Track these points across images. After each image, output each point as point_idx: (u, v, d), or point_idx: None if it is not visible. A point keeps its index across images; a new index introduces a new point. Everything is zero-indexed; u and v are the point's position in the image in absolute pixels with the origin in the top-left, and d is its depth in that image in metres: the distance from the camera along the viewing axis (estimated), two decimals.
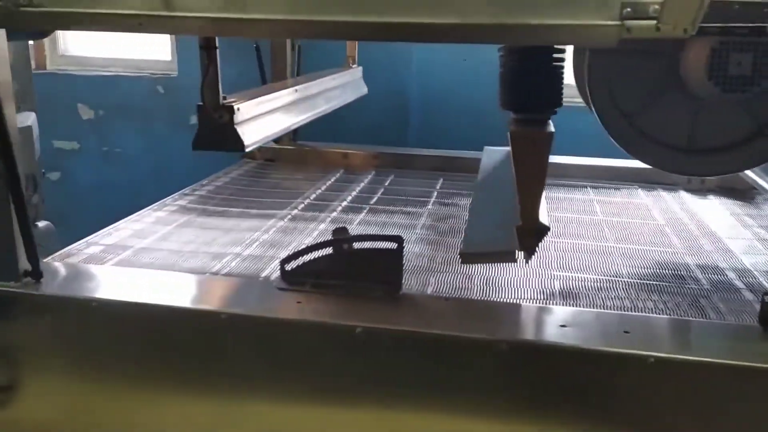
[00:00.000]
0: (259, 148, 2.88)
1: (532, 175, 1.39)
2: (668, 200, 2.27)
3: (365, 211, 2.09)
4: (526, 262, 1.36)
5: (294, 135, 2.90)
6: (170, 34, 3.55)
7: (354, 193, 2.32)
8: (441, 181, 2.53)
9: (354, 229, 1.89)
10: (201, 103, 1.45)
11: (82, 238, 1.75)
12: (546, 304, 1.39)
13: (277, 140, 2.86)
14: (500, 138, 3.34)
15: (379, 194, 2.32)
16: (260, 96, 1.73)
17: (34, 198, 3.09)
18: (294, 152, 2.84)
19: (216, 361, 1.26)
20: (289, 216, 2.02)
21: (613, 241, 1.83)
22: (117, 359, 1.30)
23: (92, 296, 1.30)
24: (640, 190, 2.39)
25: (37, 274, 1.35)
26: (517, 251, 1.33)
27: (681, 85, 1.45)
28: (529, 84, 1.57)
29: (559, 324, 1.23)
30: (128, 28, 1.08)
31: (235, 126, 1.48)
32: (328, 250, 1.37)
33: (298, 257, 1.38)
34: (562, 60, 1.54)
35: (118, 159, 4.23)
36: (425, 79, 3.52)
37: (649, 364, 1.10)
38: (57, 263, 1.48)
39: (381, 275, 1.34)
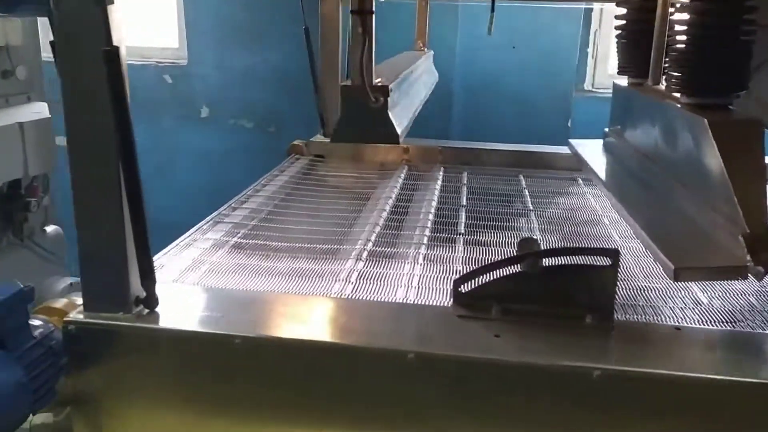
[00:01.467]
0: (307, 143, 2.59)
1: (749, 170, 1.16)
2: None
3: (462, 215, 1.84)
4: (759, 280, 1.12)
5: None
6: None
7: (437, 193, 2.05)
8: (522, 178, 2.28)
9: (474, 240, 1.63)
10: (347, 84, 1.17)
11: None
12: None
13: (325, 133, 2.58)
14: (550, 129, 3.14)
15: (465, 194, 2.07)
16: (396, 74, 1.41)
17: (45, 200, 2.75)
18: (345, 148, 2.54)
19: (400, 407, 1.00)
20: (381, 224, 1.74)
21: None
22: (266, 405, 1.02)
23: (234, 333, 1.02)
24: None
25: (152, 302, 1.06)
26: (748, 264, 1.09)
27: None
28: (719, 61, 1.34)
29: None
30: None
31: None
32: (514, 268, 1.11)
33: (475, 276, 1.12)
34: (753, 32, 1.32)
35: None
36: (469, 68, 3.27)
37: None
38: (165, 285, 1.17)
39: (587, 299, 1.09)
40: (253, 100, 3.79)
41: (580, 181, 2.24)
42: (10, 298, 0.97)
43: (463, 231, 1.68)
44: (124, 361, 1.04)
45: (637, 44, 1.91)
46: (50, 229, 2.81)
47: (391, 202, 1.92)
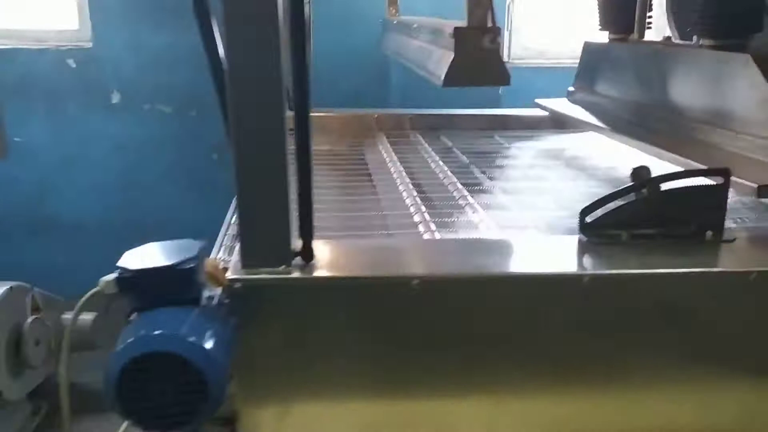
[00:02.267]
0: None
1: None
2: None
3: (476, 172, 1.89)
4: None
5: None
6: None
7: (436, 158, 2.09)
8: (499, 138, 2.37)
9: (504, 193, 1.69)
10: (460, 26, 1.16)
11: None
12: None
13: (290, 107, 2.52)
14: (483, 97, 3.26)
15: (464, 155, 2.11)
16: None
17: None
18: (316, 120, 2.50)
19: (575, 331, 1.04)
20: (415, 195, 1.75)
21: None
22: (446, 344, 1.02)
23: (412, 273, 1.00)
24: None
25: (309, 254, 1.02)
26: None
27: None
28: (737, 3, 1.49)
29: None
30: None
31: None
32: (631, 196, 1.18)
33: (598, 207, 1.18)
34: None
35: (18, 150, 3.48)
36: None
37: None
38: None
39: (703, 217, 1.18)
40: (171, 83, 3.59)
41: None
42: (199, 254, 0.88)
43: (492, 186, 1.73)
44: (296, 314, 0.99)
45: (619, 2, 2.06)
46: None
47: (401, 171, 1.92)
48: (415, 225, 1.37)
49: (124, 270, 0.86)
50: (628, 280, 1.04)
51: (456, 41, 1.15)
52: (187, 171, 3.72)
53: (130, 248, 3.91)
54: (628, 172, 1.26)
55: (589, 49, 2.23)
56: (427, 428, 1.06)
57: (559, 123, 2.40)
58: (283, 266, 0.99)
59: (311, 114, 2.19)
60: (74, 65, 3.52)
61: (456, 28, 1.15)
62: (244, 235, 0.98)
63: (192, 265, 0.86)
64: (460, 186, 1.70)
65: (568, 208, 1.42)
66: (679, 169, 1.40)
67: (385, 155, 2.15)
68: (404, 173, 1.88)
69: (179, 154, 3.69)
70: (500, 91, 3.38)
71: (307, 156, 0.99)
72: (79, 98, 3.54)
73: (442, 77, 1.18)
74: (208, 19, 1.03)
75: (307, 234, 1.01)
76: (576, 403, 1.06)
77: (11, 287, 2.55)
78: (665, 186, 1.18)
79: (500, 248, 1.16)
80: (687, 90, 1.69)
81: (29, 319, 2.61)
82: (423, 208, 1.49)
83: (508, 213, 1.45)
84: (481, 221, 1.36)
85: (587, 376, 1.05)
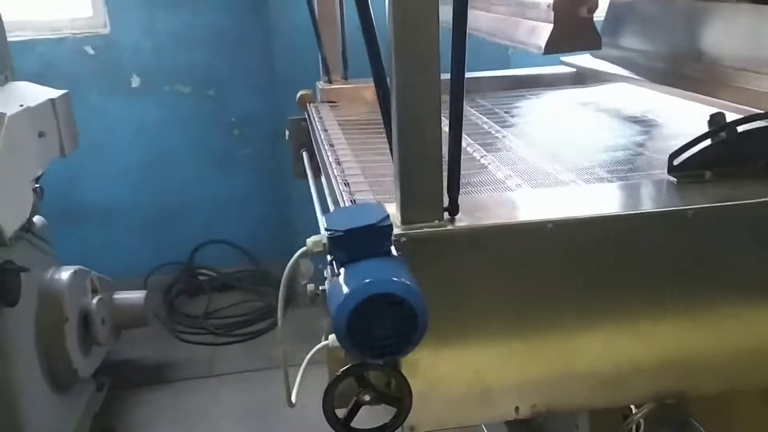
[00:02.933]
0: (316, 91, 2.65)
1: None
2: None
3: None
4: None
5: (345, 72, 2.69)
6: None
7: (483, 118, 2.24)
8: (533, 97, 2.53)
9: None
10: None
11: None
12: None
13: (329, 80, 2.65)
14: (494, 58, 3.39)
15: (501, 111, 2.27)
16: None
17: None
18: (352, 90, 2.63)
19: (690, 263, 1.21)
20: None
21: None
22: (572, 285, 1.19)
23: (545, 218, 1.16)
24: None
25: (455, 208, 1.17)
26: None
27: None
28: None
29: None
30: None
31: None
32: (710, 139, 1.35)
33: (683, 151, 1.35)
34: None
35: None
36: None
37: None
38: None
39: None
40: (188, 64, 3.67)
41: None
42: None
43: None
44: (450, 262, 1.14)
45: None
46: (36, 219, 2.62)
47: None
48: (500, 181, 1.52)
49: (334, 231, 1.00)
50: (725, 210, 1.21)
51: (555, 13, 1.30)
52: (209, 149, 3.82)
53: (161, 228, 4.20)
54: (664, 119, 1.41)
55: (616, 5, 2.38)
56: (556, 356, 1.23)
57: (587, 79, 2.56)
58: (437, 221, 1.14)
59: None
60: (92, 52, 3.58)
61: (556, 2, 1.30)
62: (404, 193, 1.12)
63: (389, 223, 1.01)
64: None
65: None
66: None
67: None
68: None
69: (201, 133, 3.79)
70: (509, 52, 3.51)
71: (459, 118, 1.13)
72: (100, 84, 3.61)
73: (543, 45, 1.32)
74: None
75: (455, 190, 1.16)
76: (690, 326, 1.23)
77: (75, 271, 2.66)
78: (741, 128, 1.35)
79: (610, 193, 1.33)
80: (725, 41, 1.85)
81: (94, 300, 2.74)
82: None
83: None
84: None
85: (695, 300, 1.22)
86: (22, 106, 2.06)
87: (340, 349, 1.06)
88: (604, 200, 1.32)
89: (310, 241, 1.04)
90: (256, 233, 3.94)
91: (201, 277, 3.91)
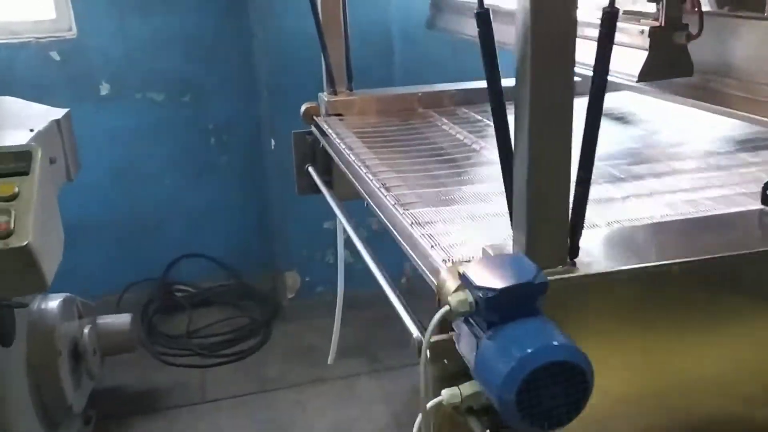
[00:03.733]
0: (321, 103, 2.53)
1: None
2: None
3: None
4: None
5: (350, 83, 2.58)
6: None
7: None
8: None
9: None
10: (655, 24, 1.25)
11: None
12: None
13: (334, 91, 2.54)
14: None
15: None
16: None
17: None
18: (359, 102, 2.54)
19: None
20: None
21: None
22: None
23: (671, 260, 1.11)
24: None
25: (576, 251, 1.11)
26: None
27: None
28: None
29: None
30: None
31: None
32: None
33: None
34: None
35: None
36: (405, 11, 3.34)
37: None
38: None
39: None
40: (161, 70, 3.47)
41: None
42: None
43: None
44: (579, 309, 1.08)
45: None
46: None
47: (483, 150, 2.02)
48: None
49: (488, 289, 0.91)
50: None
51: (651, 40, 1.25)
52: (185, 158, 3.63)
53: (134, 243, 3.99)
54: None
55: None
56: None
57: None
58: (560, 266, 1.08)
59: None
60: (58, 58, 3.33)
61: (652, 29, 1.24)
62: (530, 237, 1.05)
63: (546, 280, 0.93)
64: None
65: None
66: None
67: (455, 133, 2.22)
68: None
69: (176, 141, 3.60)
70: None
71: (591, 159, 1.06)
72: (66, 92, 3.36)
73: (636, 74, 1.27)
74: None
75: (578, 233, 1.09)
76: None
77: (63, 299, 2.47)
78: None
79: (717, 225, 1.29)
80: (757, 56, 1.85)
81: (85, 330, 2.55)
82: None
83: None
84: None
85: None
86: (32, 131, 1.86)
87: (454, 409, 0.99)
88: (712, 235, 1.27)
89: (454, 300, 0.95)
90: (235, 246, 3.78)
91: (178, 294, 3.72)
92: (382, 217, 1.66)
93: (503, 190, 1.12)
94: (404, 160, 1.97)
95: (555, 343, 0.88)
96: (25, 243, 1.67)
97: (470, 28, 2.22)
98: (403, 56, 3.39)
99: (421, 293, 1.37)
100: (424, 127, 2.35)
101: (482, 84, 2.65)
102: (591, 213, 1.14)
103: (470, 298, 0.95)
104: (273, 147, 3.34)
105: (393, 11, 3.32)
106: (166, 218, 3.68)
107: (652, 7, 1.33)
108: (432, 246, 1.31)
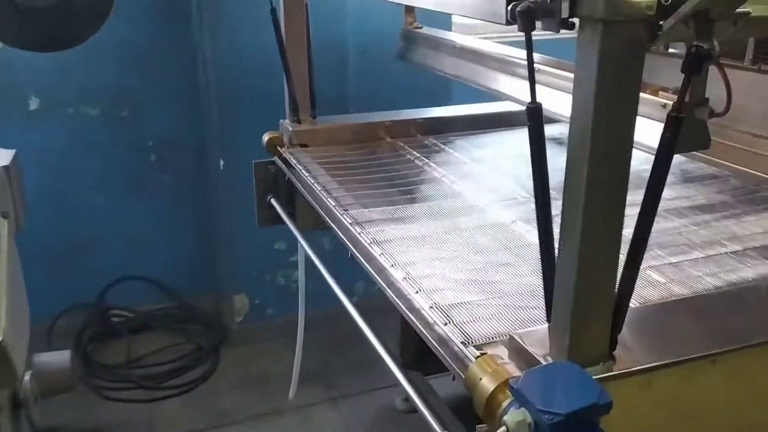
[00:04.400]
0: (285, 132, 2.42)
1: None
2: None
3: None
4: None
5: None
6: None
7: (481, 165, 2.15)
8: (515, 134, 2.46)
9: None
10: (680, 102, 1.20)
11: None
12: None
13: (298, 119, 2.43)
14: (432, 87, 3.28)
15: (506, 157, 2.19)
16: None
17: None
18: (325, 131, 2.43)
19: None
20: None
21: None
22: None
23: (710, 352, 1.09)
24: None
25: (614, 346, 1.07)
26: None
27: None
28: None
29: None
30: None
31: None
32: None
33: None
34: None
35: None
36: (361, 27, 3.23)
37: None
38: None
39: None
40: (96, 83, 3.24)
41: None
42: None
43: None
44: (620, 406, 1.04)
45: None
46: None
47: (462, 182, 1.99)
48: None
49: (553, 414, 0.85)
50: None
51: (668, 115, 1.21)
52: (122, 176, 3.41)
53: (67, 266, 3.78)
54: None
55: None
56: None
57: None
58: (601, 363, 1.04)
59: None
60: None
61: (674, 103, 1.20)
62: (574, 336, 1.00)
63: (610, 400, 0.88)
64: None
65: None
66: None
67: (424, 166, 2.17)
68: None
69: (112, 159, 3.37)
70: (452, 93, 3.40)
71: (639, 258, 1.02)
72: None
73: (655, 147, 1.24)
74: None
75: (618, 329, 1.05)
76: None
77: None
78: None
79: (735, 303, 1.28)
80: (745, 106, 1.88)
81: (26, 376, 2.34)
82: None
83: None
84: None
85: None
86: None
87: None
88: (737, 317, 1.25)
89: (512, 422, 0.88)
90: (176, 267, 3.59)
91: (115, 319, 3.51)
92: (359, 255, 1.63)
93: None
94: (376, 198, 1.93)
95: None
96: None
97: (448, 66, 2.17)
98: (358, 73, 3.29)
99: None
100: (393, 159, 2.28)
101: (448, 112, 2.63)
102: None
103: (529, 419, 0.89)
104: (222, 167, 3.18)
105: (349, 26, 3.21)
106: (101, 239, 3.45)
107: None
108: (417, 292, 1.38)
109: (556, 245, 1.03)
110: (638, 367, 1.05)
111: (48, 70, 3.14)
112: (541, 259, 1.05)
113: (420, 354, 2.63)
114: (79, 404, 2.95)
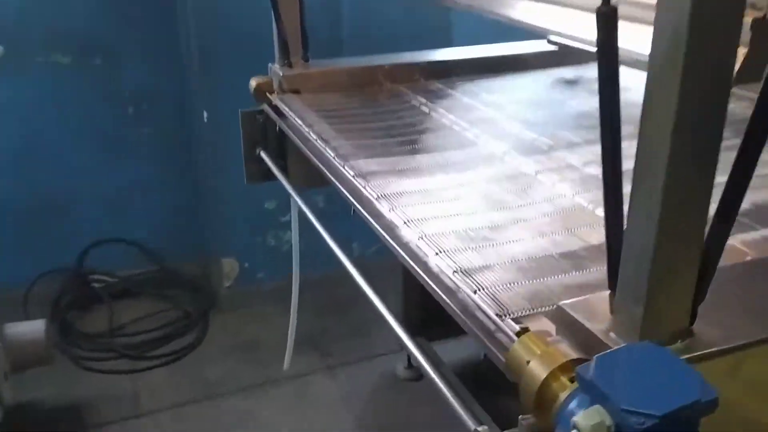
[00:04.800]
0: (274, 77, 2.17)
1: None
2: None
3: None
4: None
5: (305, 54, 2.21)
6: None
7: (489, 110, 1.93)
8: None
9: None
10: (759, 17, 0.99)
11: None
12: None
13: (289, 63, 2.18)
14: (432, 30, 3.04)
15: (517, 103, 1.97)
16: None
17: None
18: (318, 75, 2.18)
19: None
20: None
21: None
22: None
23: None
24: None
25: (693, 319, 0.86)
26: None
27: None
28: None
29: None
30: None
31: None
32: None
33: None
34: None
35: None
36: None
37: None
38: None
39: None
40: (67, 28, 2.96)
41: None
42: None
43: None
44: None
45: None
46: None
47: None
48: None
49: (645, 415, 0.64)
50: None
51: (753, 33, 0.99)
52: (98, 131, 3.15)
53: (41, 229, 3.52)
54: None
55: None
56: None
57: (571, 59, 2.31)
58: (680, 341, 0.83)
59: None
60: None
61: (755, 19, 0.98)
62: (649, 310, 0.79)
63: (716, 396, 0.67)
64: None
65: None
66: None
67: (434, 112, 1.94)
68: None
69: (86, 111, 3.11)
70: (453, 35, 3.17)
71: (732, 215, 0.80)
72: None
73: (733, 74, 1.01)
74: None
75: (700, 299, 0.84)
76: None
77: None
78: None
79: None
80: None
81: None
82: None
83: None
84: None
85: None
86: None
87: None
88: None
89: (586, 425, 0.67)
90: (158, 229, 3.36)
91: (95, 284, 3.28)
92: (364, 212, 1.41)
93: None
94: (380, 148, 1.70)
95: None
96: None
97: None
98: (352, 13, 3.02)
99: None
100: (396, 106, 2.05)
101: (454, 55, 2.40)
102: None
103: (609, 421, 0.67)
104: (206, 120, 2.93)
105: None
106: (77, 200, 3.21)
107: None
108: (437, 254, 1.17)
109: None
110: (726, 346, 0.84)
111: (13, 13, 2.86)
112: (606, 210, 0.83)
113: (422, 320, 2.46)
114: (57, 377, 2.74)
